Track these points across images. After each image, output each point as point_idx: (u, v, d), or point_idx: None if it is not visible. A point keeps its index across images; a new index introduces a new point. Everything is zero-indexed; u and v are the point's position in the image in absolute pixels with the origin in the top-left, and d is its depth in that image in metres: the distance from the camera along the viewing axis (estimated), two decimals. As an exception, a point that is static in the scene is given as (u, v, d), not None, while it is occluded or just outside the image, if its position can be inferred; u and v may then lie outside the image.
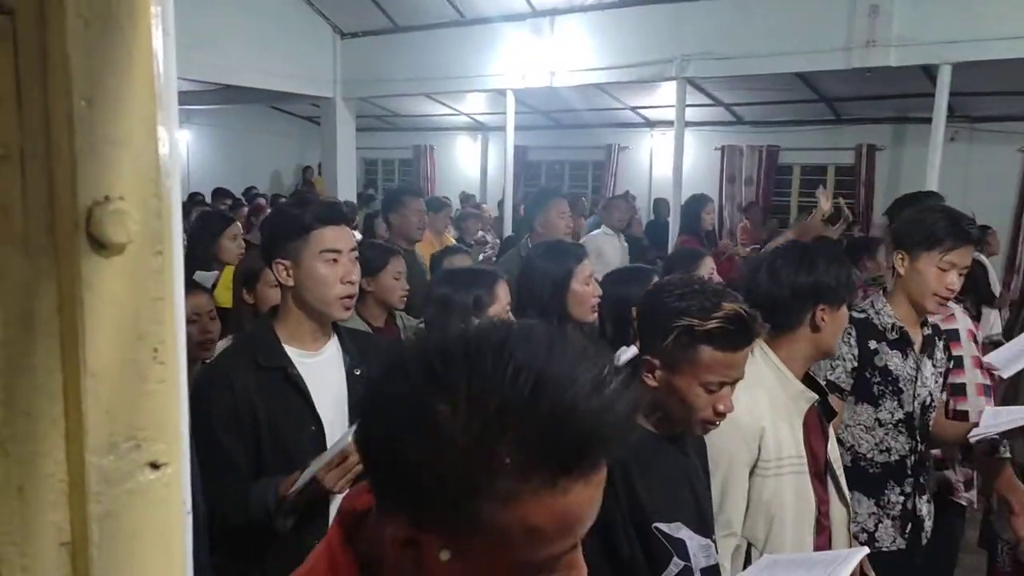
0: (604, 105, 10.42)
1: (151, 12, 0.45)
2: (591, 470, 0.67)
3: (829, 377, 2.27)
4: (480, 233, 6.97)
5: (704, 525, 1.60)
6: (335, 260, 1.80)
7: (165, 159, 0.46)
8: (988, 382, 2.80)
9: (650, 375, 1.53)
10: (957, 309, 2.80)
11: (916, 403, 2.34)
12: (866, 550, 1.65)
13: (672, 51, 7.66)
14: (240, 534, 1.73)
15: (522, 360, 0.66)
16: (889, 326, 2.32)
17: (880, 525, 2.32)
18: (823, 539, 1.92)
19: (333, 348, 1.91)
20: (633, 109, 10.88)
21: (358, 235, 6.48)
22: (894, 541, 2.32)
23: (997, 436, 2.29)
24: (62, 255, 0.42)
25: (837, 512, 1.97)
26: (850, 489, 2.23)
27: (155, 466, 0.47)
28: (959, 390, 2.72)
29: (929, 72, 6.86)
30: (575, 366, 0.67)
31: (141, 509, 0.46)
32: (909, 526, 2.35)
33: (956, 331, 2.75)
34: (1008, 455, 2.42)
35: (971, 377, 2.73)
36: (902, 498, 2.33)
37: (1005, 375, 2.67)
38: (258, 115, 13.57)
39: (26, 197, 0.40)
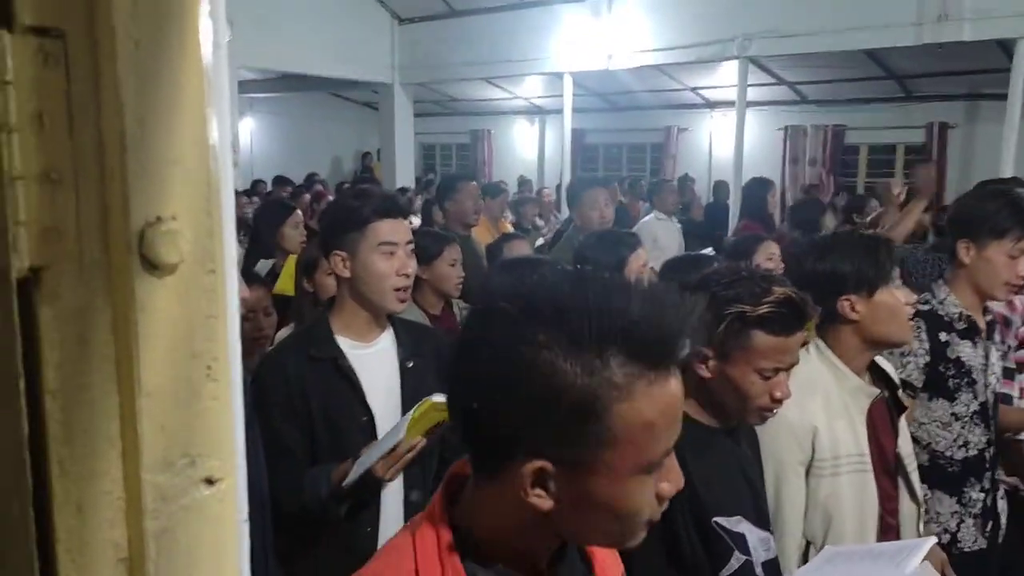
0: (663, 86, 10.26)
1: (201, 29, 0.44)
2: (677, 363, 0.78)
3: (900, 376, 2.15)
4: (539, 220, 6.94)
5: (762, 518, 1.58)
6: (392, 253, 1.81)
7: (216, 175, 0.46)
8: None
9: (703, 366, 1.51)
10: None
11: (989, 392, 2.27)
12: (934, 539, 1.59)
13: (733, 30, 7.49)
14: (293, 521, 1.77)
15: (602, 284, 0.79)
16: (956, 315, 2.22)
17: (962, 525, 2.23)
18: (891, 538, 1.87)
19: (387, 340, 1.92)
20: (693, 90, 10.69)
21: (417, 220, 6.54)
22: (975, 541, 2.23)
23: None
24: (116, 276, 0.42)
25: (907, 509, 1.91)
26: (930, 488, 2.19)
27: (210, 482, 0.47)
28: (1007, 374, 2.61)
29: (1005, 46, 6.56)
30: (643, 285, 0.80)
31: (197, 524, 0.47)
32: (990, 524, 2.26)
33: (1007, 317, 2.65)
34: None
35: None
36: (983, 495, 2.24)
37: None
38: (318, 102, 13.75)
39: (79, 220, 0.41)
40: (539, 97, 12.29)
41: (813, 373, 1.79)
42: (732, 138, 8.14)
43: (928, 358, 2.19)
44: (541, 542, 0.86)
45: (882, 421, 1.87)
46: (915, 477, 1.94)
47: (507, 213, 7.80)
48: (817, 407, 1.74)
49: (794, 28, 7.17)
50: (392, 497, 1.85)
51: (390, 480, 1.69)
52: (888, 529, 1.86)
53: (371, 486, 1.71)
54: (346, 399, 1.81)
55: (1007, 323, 2.45)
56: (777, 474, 1.73)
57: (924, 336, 2.18)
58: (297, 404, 1.78)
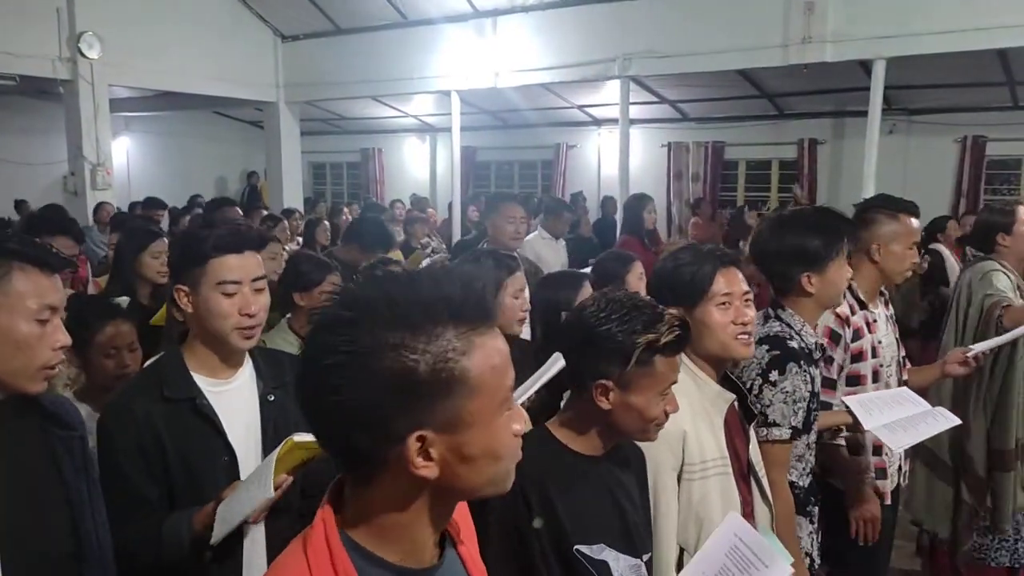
0: (550, 104, 10.43)
1: None
2: (493, 321, 0.93)
3: (794, 423, 2.09)
4: (426, 239, 6.90)
5: (632, 545, 1.58)
6: (233, 292, 1.70)
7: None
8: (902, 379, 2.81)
9: (604, 399, 1.54)
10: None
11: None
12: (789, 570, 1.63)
13: (615, 50, 7.69)
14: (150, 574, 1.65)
15: (424, 276, 0.95)
16: (814, 345, 2.23)
17: (813, 543, 2.26)
18: (752, 543, 1.91)
19: (247, 374, 1.81)
20: (580, 108, 10.91)
21: (297, 243, 6.38)
22: (817, 556, 2.31)
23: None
24: None
25: (760, 512, 1.96)
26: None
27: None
28: (827, 383, 2.53)
29: (865, 67, 6.98)
30: (452, 268, 0.99)
31: None
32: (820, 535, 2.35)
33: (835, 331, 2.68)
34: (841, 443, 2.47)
35: (890, 371, 2.70)
36: (816, 509, 2.28)
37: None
38: (201, 121, 13.31)
39: None
40: (429, 115, 12.27)
41: (679, 381, 1.81)
42: (618, 154, 8.33)
43: (809, 398, 2.13)
44: (424, 531, 0.95)
45: (736, 427, 1.91)
46: (765, 482, 1.99)
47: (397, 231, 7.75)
48: (684, 413, 1.77)
49: (671, 49, 7.42)
50: (256, 534, 1.76)
51: (255, 523, 1.61)
52: (748, 533, 1.91)
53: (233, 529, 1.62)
54: (206, 440, 1.69)
55: (835, 338, 2.49)
56: (654, 481, 1.75)
57: (808, 378, 2.12)
58: (150, 449, 1.65)
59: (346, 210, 9.16)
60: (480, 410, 0.89)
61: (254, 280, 1.74)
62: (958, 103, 8.69)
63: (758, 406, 2.06)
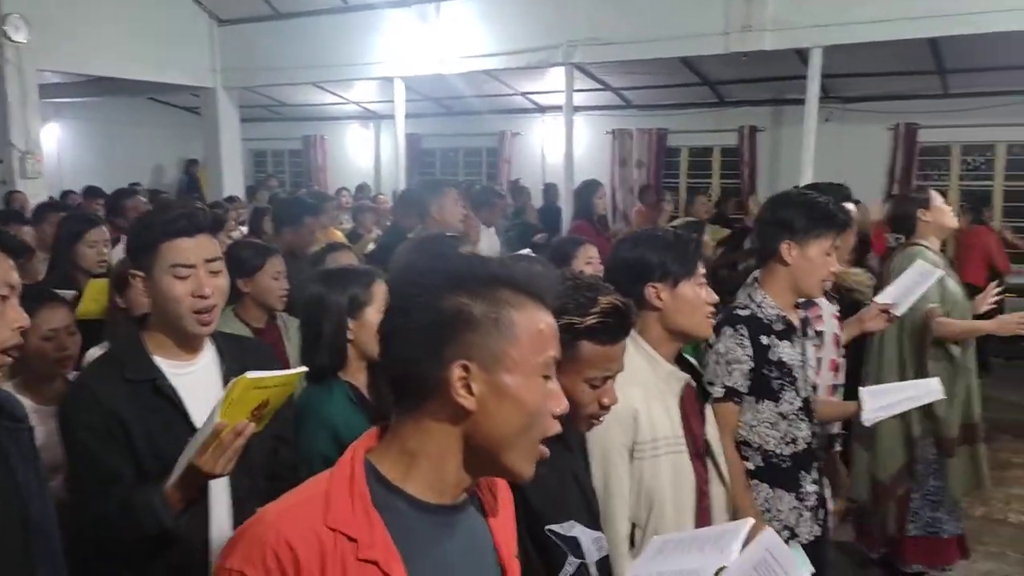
0: (495, 91, 10.40)
1: None
2: (549, 304, 1.07)
3: (727, 383, 2.22)
4: (375, 228, 6.82)
5: (593, 518, 1.60)
6: (186, 276, 1.69)
7: None
8: (842, 359, 2.94)
9: None
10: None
11: (808, 387, 2.38)
12: (751, 521, 1.66)
13: (558, 37, 7.71)
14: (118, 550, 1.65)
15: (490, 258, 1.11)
16: (775, 317, 2.30)
17: (800, 519, 2.30)
18: (705, 518, 1.96)
19: (209, 355, 1.81)
20: (524, 95, 10.91)
21: (243, 231, 6.25)
22: (811, 531, 2.32)
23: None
24: None
25: (716, 492, 2.01)
26: (771, 487, 2.28)
27: None
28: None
29: (802, 55, 7.13)
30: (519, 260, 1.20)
31: None
32: (822, 513, 2.38)
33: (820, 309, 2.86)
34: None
35: (827, 353, 2.84)
36: (815, 486, 2.34)
37: (899, 312, 2.92)
38: (136, 107, 12.90)
39: None
40: (372, 102, 12.13)
41: (630, 360, 1.83)
42: (563, 142, 8.36)
43: (752, 364, 2.23)
44: (450, 468, 1.03)
45: (692, 407, 1.96)
46: (721, 461, 2.03)
47: (346, 220, 7.65)
48: (636, 392, 1.79)
49: (615, 36, 7.47)
50: (221, 510, 1.76)
51: (223, 474, 1.56)
52: (703, 510, 1.95)
53: (200, 483, 1.60)
54: (170, 421, 1.69)
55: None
56: (604, 460, 1.77)
57: (747, 342, 2.23)
58: (114, 430, 1.65)
59: (259, 196, 9.00)
60: (520, 360, 1.00)
61: (208, 262, 1.73)
62: (891, 91, 8.93)
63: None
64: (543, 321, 1.04)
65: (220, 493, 1.74)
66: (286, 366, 2.23)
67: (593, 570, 1.52)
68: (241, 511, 1.74)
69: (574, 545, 1.51)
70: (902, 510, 3.52)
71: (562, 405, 1.05)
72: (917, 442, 3.43)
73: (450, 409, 1.00)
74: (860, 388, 2.57)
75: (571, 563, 1.49)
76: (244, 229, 6.44)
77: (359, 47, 8.82)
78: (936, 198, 3.47)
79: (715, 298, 1.96)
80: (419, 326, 1.00)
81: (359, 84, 10.70)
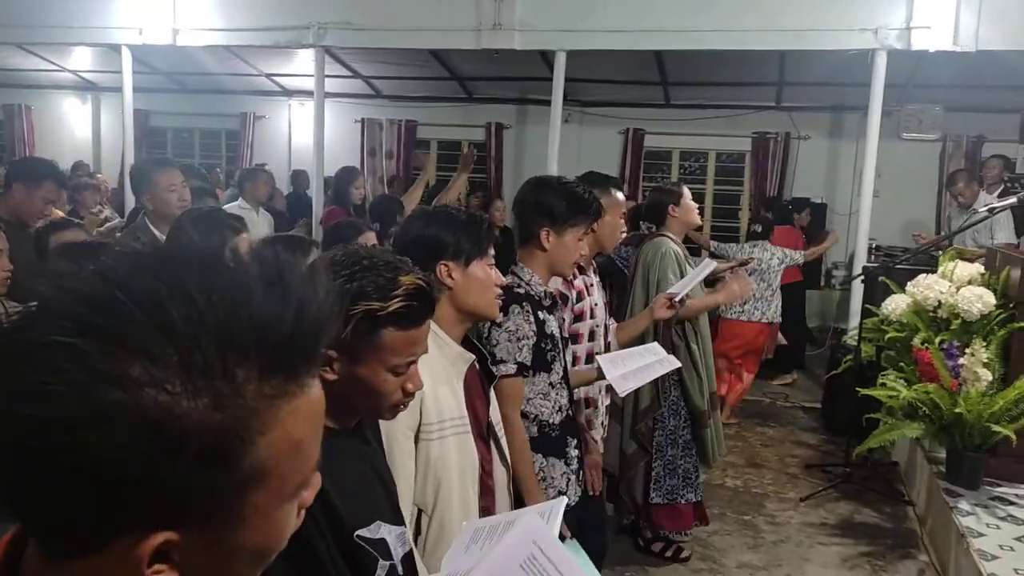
0: (237, 70, 9.81)
1: None
2: (318, 366, 0.63)
3: (519, 359, 2.28)
4: (98, 208, 6.14)
5: (396, 513, 1.52)
6: None
7: None
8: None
9: (328, 369, 1.30)
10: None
11: (568, 357, 2.54)
12: (565, 500, 1.70)
13: (308, 17, 7.42)
14: None
15: (207, 271, 0.57)
16: (543, 293, 2.44)
17: (569, 483, 2.43)
18: (488, 500, 1.97)
19: None
20: (269, 76, 10.41)
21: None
22: (576, 493, 2.46)
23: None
24: None
25: (499, 473, 2.03)
26: (544, 456, 2.40)
27: None
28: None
29: (547, 58, 7.48)
30: (262, 265, 0.60)
31: None
32: (581, 474, 2.53)
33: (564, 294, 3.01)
34: None
35: (603, 318, 3.03)
36: (577, 451, 2.48)
37: (678, 298, 3.09)
38: None
39: None
40: (92, 71, 10.90)
41: None
42: (311, 128, 8.08)
43: (535, 338, 2.33)
44: None
45: (476, 388, 1.96)
46: (504, 443, 2.07)
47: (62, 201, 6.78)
48: (423, 373, 1.75)
49: (367, 22, 7.34)
50: None
51: None
52: (487, 491, 1.96)
53: None
54: None
55: (564, 299, 2.76)
56: (388, 442, 1.70)
57: (531, 318, 2.32)
58: None
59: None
60: (265, 503, 0.60)
61: None
62: (622, 98, 9.70)
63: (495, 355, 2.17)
64: (308, 418, 0.63)
65: None
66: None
67: (400, 569, 1.45)
68: None
69: (383, 547, 1.42)
70: (647, 479, 3.82)
71: (310, 501, 0.69)
72: (647, 413, 3.73)
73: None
74: (596, 356, 2.74)
75: (382, 567, 1.38)
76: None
77: (80, 9, 7.86)
78: (687, 196, 3.80)
79: (504, 280, 1.99)
80: (71, 466, 0.52)
81: (78, 50, 9.56)
